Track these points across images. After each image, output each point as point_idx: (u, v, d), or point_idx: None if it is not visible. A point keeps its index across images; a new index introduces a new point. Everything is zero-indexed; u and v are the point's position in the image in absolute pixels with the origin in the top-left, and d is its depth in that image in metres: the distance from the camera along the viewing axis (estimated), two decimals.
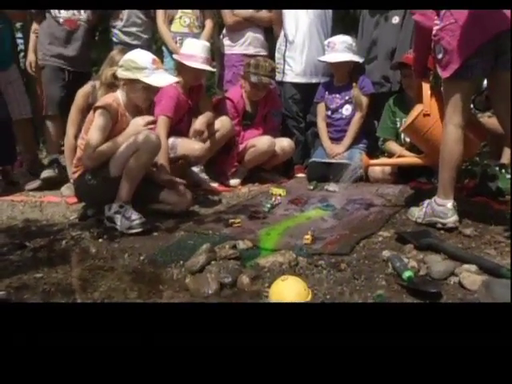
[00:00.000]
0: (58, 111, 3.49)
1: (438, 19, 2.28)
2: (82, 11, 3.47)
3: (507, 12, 2.13)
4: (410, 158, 2.72)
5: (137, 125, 2.58)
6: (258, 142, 3.47)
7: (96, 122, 2.56)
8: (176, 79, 2.87)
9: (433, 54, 2.36)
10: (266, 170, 3.72)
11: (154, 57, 2.62)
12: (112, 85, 2.71)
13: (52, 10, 3.42)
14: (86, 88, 3.16)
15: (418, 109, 2.52)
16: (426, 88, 2.46)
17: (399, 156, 2.76)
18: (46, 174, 3.45)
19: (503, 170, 2.83)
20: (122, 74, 2.60)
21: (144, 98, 2.64)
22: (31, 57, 3.60)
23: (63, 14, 3.43)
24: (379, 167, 3.22)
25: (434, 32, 2.28)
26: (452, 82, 2.25)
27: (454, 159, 2.30)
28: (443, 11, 2.23)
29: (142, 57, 2.60)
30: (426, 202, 2.43)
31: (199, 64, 3.19)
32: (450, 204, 2.30)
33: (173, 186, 2.71)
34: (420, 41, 2.43)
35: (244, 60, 3.72)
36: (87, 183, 2.61)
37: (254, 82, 3.39)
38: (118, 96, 2.65)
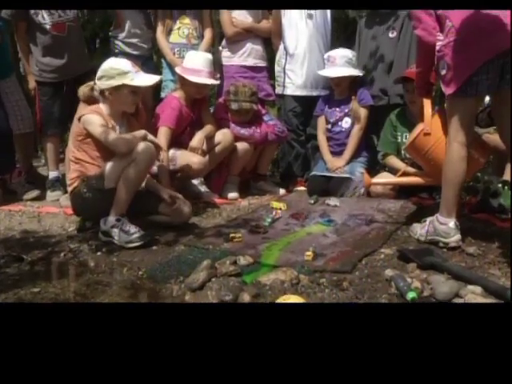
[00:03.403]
0: (58, 130, 3.46)
1: (441, 35, 2.27)
2: (67, 10, 3.31)
3: None
4: (412, 178, 2.70)
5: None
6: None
7: (92, 127, 2.55)
8: (159, 77, 2.92)
9: (436, 69, 2.35)
10: (265, 180, 3.70)
11: (131, 61, 2.69)
12: (91, 100, 2.72)
13: (35, 18, 3.26)
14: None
15: (418, 128, 2.51)
16: (428, 106, 2.45)
17: (402, 174, 2.74)
18: (52, 197, 3.41)
19: (506, 187, 2.81)
20: (105, 84, 2.61)
21: (131, 103, 2.68)
22: (32, 83, 3.47)
23: (48, 19, 3.27)
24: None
25: (437, 48, 2.27)
26: (456, 99, 2.23)
27: (458, 178, 2.28)
28: (447, 27, 2.22)
29: (121, 62, 2.66)
30: (428, 219, 2.41)
31: (203, 79, 3.19)
32: (452, 223, 2.28)
33: (172, 200, 2.69)
34: (423, 56, 2.42)
35: (243, 71, 3.71)
36: (83, 196, 2.59)
37: (235, 109, 3.37)
38: (101, 107, 2.67)
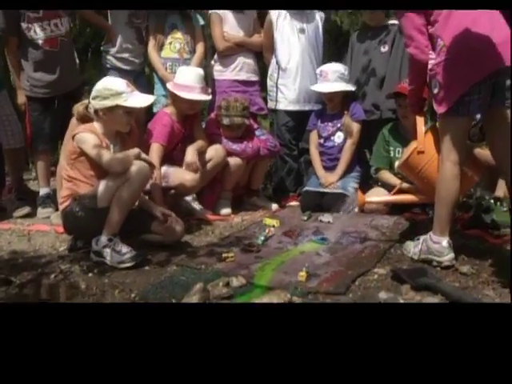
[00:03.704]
0: (49, 146, 3.42)
1: (433, 53, 2.28)
2: (60, 25, 3.28)
3: (504, 49, 2.12)
4: (406, 196, 2.70)
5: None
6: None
7: (86, 146, 2.53)
8: (153, 97, 2.90)
9: (428, 88, 2.35)
10: (258, 196, 3.68)
11: (126, 81, 2.66)
12: (85, 118, 2.69)
13: (28, 33, 3.23)
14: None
15: (411, 146, 2.51)
16: (421, 124, 2.45)
17: (396, 192, 2.73)
18: (43, 214, 3.36)
19: (498, 203, 2.82)
20: (99, 104, 2.59)
21: (125, 123, 2.65)
22: (22, 98, 3.41)
23: (40, 35, 3.24)
24: (373, 197, 3.19)
25: (429, 66, 2.27)
26: (448, 118, 2.23)
27: (451, 196, 2.28)
28: (439, 46, 2.22)
29: (115, 83, 2.63)
30: (422, 238, 2.40)
31: (195, 95, 3.17)
32: (445, 242, 2.27)
33: (164, 218, 2.67)
34: (415, 74, 2.42)
35: (235, 85, 3.70)
36: (75, 215, 2.55)
37: (227, 124, 3.36)
38: (95, 126, 2.64)
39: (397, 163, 2.87)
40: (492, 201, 2.87)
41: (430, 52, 2.27)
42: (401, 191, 2.79)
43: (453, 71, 2.16)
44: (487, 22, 2.17)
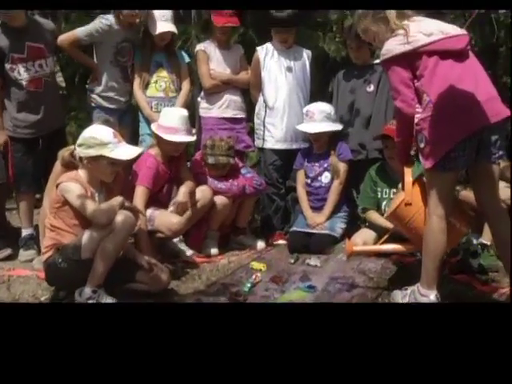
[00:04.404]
0: (32, 187, 3.36)
1: (419, 106, 2.28)
2: (44, 66, 3.25)
3: (488, 106, 2.14)
4: (394, 246, 2.70)
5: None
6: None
7: (70, 196, 2.49)
8: (140, 150, 2.86)
9: (415, 141, 2.36)
10: (245, 234, 3.65)
11: (113, 130, 2.63)
12: (70, 164, 2.65)
13: (11, 73, 3.18)
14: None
15: (399, 197, 2.50)
16: (408, 175, 2.45)
17: (385, 241, 2.73)
18: (25, 256, 3.28)
19: (485, 250, 2.82)
20: (84, 152, 2.56)
21: (110, 173, 2.62)
22: (2, 138, 3.31)
23: (24, 75, 3.19)
24: (360, 239, 3.18)
25: (416, 120, 2.28)
26: (434, 173, 2.24)
27: (438, 249, 2.27)
28: (425, 101, 2.23)
29: (102, 132, 2.60)
30: (410, 289, 2.38)
31: (179, 137, 3.15)
32: (433, 296, 2.26)
33: (150, 268, 2.63)
34: (402, 127, 2.42)
35: (222, 123, 3.69)
36: (57, 266, 2.51)
37: (212, 163, 3.34)
38: (80, 174, 2.60)
39: (385, 214, 2.87)
40: (479, 245, 2.87)
41: (417, 105, 2.27)
42: (389, 240, 2.78)
43: (439, 128, 2.17)
44: (472, 79, 2.19)
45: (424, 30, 2.25)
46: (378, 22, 2.36)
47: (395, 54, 2.26)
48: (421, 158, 2.29)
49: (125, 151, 2.59)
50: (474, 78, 2.18)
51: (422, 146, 2.25)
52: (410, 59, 2.25)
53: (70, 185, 2.52)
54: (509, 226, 2.30)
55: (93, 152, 2.53)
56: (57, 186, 2.55)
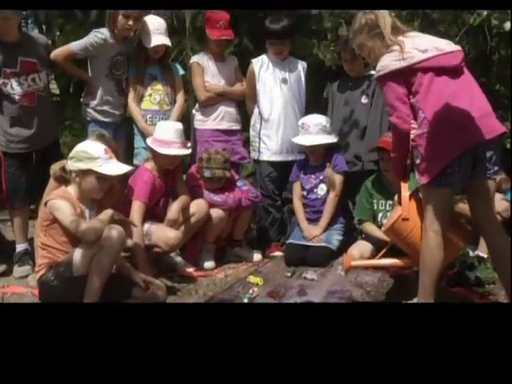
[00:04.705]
0: (26, 202, 3.34)
1: (415, 122, 2.29)
2: (37, 80, 3.21)
3: (483, 123, 2.15)
4: (392, 260, 2.71)
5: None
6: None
7: (59, 214, 2.48)
8: (130, 168, 2.81)
9: (411, 157, 2.36)
10: (241, 246, 3.64)
11: (106, 147, 2.62)
12: (62, 179, 2.64)
13: (4, 88, 3.15)
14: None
15: (397, 212, 2.50)
16: (405, 190, 2.45)
17: (383, 255, 2.73)
18: (19, 272, 3.24)
19: (482, 263, 2.83)
20: (73, 165, 2.55)
21: (98, 189, 2.59)
22: None
23: (17, 90, 3.16)
24: (357, 251, 3.18)
25: (412, 136, 2.28)
26: (430, 189, 2.24)
27: (435, 265, 2.28)
28: (420, 118, 2.23)
29: (93, 147, 2.59)
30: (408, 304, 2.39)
31: (174, 150, 3.14)
32: None
33: (145, 285, 2.61)
34: (398, 142, 2.42)
35: (217, 135, 3.68)
36: (50, 284, 2.49)
37: (208, 176, 3.33)
38: (69, 190, 2.59)
39: (382, 228, 2.87)
40: (476, 259, 2.88)
41: (413, 121, 2.28)
42: (387, 253, 2.78)
43: (434, 144, 2.17)
44: (467, 95, 2.20)
45: (419, 46, 2.26)
46: (373, 38, 2.37)
47: (390, 71, 2.27)
48: (416, 173, 2.30)
49: (113, 167, 2.57)
50: (468, 94, 2.19)
51: (417, 161, 2.26)
52: (405, 75, 2.26)
53: (58, 202, 2.50)
54: (505, 241, 2.31)
55: (82, 165, 2.52)
56: (45, 204, 2.54)
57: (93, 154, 2.53)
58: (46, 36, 6.52)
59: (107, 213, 2.56)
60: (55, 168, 2.67)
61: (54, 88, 5.46)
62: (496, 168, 2.25)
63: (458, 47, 2.31)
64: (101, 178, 2.54)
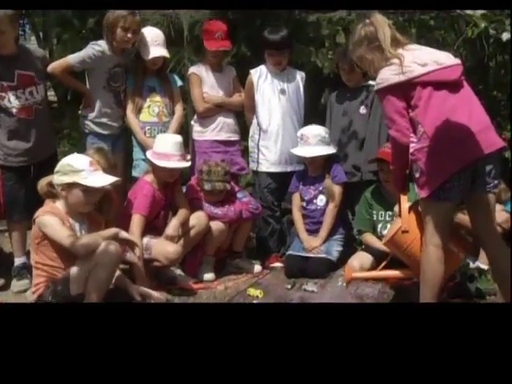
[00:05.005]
0: (24, 215, 3.32)
1: (414, 136, 2.29)
2: (35, 93, 3.21)
3: (482, 137, 2.15)
4: (393, 272, 2.71)
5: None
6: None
7: (48, 230, 2.47)
8: (116, 179, 2.74)
9: (410, 170, 2.36)
10: (241, 257, 3.62)
11: (91, 159, 2.63)
12: (49, 194, 2.64)
13: (1, 101, 3.14)
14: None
15: (396, 224, 2.50)
16: (404, 202, 2.45)
17: (383, 267, 2.73)
18: (18, 286, 3.19)
19: (482, 275, 2.82)
20: (58, 179, 2.56)
21: (84, 202, 2.58)
22: None
23: (15, 103, 3.15)
24: (357, 263, 3.17)
25: (411, 150, 2.28)
26: (430, 203, 2.25)
27: (436, 278, 2.28)
28: (419, 132, 2.23)
29: (78, 160, 2.60)
30: None
31: (174, 163, 3.14)
32: None
33: (143, 299, 2.62)
34: (397, 155, 2.43)
35: (216, 146, 3.67)
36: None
37: (208, 189, 3.32)
38: (57, 205, 2.59)
39: (382, 240, 2.87)
40: (476, 270, 2.88)
41: (412, 135, 2.28)
42: (387, 264, 2.78)
43: (433, 159, 2.18)
44: (466, 109, 2.20)
45: (418, 59, 2.26)
46: (373, 51, 2.37)
47: (390, 84, 2.27)
48: (416, 187, 2.30)
49: (99, 179, 2.56)
50: (467, 108, 2.19)
51: (417, 175, 2.26)
52: (404, 89, 2.26)
53: (46, 218, 2.50)
54: (505, 254, 2.31)
55: (66, 178, 2.52)
56: (34, 221, 2.53)
57: (77, 167, 2.52)
58: (44, 44, 6.61)
59: (110, 231, 2.55)
60: (42, 183, 2.67)
61: (52, 95, 5.45)
62: (496, 182, 2.25)
63: (457, 61, 2.31)
64: (86, 190, 2.53)
